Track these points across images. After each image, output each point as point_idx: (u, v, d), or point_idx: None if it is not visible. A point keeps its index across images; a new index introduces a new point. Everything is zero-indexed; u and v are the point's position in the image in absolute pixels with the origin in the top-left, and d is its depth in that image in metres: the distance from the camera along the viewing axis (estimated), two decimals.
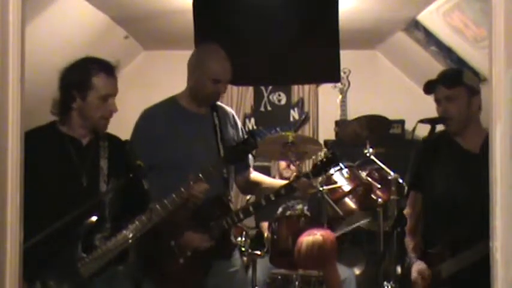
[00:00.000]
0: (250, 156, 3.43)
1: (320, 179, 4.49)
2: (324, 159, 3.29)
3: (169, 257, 3.04)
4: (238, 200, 5.40)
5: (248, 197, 4.87)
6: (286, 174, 5.13)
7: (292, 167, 4.98)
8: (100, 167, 2.77)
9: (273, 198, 3.21)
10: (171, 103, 3.29)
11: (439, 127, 2.94)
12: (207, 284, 3.11)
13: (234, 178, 3.37)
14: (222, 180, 3.21)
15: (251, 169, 3.50)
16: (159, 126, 3.19)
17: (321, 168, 3.30)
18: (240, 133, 3.41)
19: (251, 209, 3.19)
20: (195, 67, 3.22)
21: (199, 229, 3.05)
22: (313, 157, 3.29)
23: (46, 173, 2.67)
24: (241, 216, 3.15)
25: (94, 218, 2.62)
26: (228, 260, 3.23)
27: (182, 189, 2.82)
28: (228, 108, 3.45)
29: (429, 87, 3.01)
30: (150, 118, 3.24)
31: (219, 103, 3.36)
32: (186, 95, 3.28)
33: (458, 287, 2.86)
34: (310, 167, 3.40)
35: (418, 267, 2.97)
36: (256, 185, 3.50)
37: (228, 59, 3.21)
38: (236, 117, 3.46)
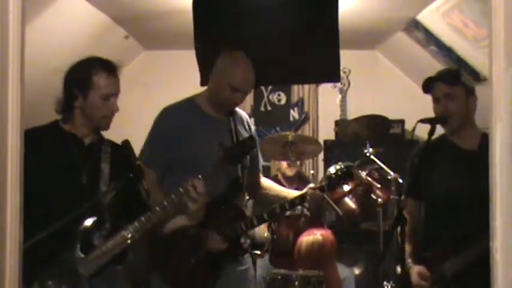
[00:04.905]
0: (260, 160, 3.45)
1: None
2: (339, 173, 3.31)
3: (182, 257, 3.04)
4: None
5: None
6: (289, 173, 5.11)
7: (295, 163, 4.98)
8: (101, 169, 2.78)
9: (287, 207, 3.27)
10: (189, 104, 3.26)
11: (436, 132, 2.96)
12: (217, 282, 3.11)
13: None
14: (237, 185, 3.21)
15: (260, 174, 3.50)
16: (176, 126, 3.16)
17: (336, 182, 3.33)
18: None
19: (265, 216, 3.21)
20: (218, 71, 3.19)
21: (214, 231, 3.06)
22: (328, 172, 3.33)
23: (47, 170, 2.68)
24: (255, 222, 3.18)
25: (93, 218, 2.63)
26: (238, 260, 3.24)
27: (180, 190, 2.79)
28: (243, 113, 3.43)
29: (428, 85, 3.02)
30: (168, 118, 3.21)
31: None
32: (205, 97, 3.25)
33: (463, 284, 2.88)
34: (325, 180, 3.41)
35: (417, 270, 2.98)
36: (264, 191, 3.50)
37: (252, 70, 3.16)
38: (250, 121, 3.44)
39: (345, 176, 3.34)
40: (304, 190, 3.32)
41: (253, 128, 3.45)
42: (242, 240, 3.17)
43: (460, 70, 3.14)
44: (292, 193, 3.42)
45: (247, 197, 3.49)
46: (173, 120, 3.20)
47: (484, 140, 2.93)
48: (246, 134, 3.31)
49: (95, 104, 2.72)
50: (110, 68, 2.76)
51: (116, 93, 2.78)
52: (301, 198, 3.29)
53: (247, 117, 3.44)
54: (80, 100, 2.73)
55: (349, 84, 6.08)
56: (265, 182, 3.53)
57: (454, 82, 2.97)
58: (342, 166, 3.35)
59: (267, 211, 3.24)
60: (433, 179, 3.03)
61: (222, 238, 3.05)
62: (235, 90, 3.12)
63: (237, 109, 3.37)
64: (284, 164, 5.13)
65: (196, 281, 3.07)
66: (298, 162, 5.16)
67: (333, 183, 3.32)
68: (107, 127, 2.83)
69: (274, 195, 3.46)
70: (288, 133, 4.44)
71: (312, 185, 3.38)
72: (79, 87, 2.72)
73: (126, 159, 2.71)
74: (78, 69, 2.76)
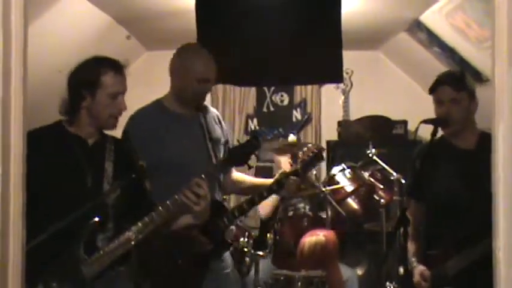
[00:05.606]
0: None
1: (322, 179, 4.50)
2: (311, 155, 3.30)
3: (167, 258, 3.03)
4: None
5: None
6: None
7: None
8: (105, 169, 2.77)
9: (265, 195, 3.23)
10: (157, 106, 3.28)
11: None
12: (204, 282, 3.09)
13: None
14: (216, 181, 3.21)
15: (232, 168, 3.50)
16: (146, 129, 3.17)
17: (308, 165, 3.31)
18: (226, 133, 3.42)
19: (245, 206, 3.19)
20: (178, 69, 3.21)
21: (198, 231, 3.05)
22: (300, 153, 3.31)
23: (51, 172, 2.68)
24: (237, 214, 3.16)
25: (96, 219, 2.62)
26: (220, 259, 3.23)
27: (185, 190, 2.79)
28: (213, 109, 3.46)
29: (435, 88, 3.03)
30: (137, 122, 3.22)
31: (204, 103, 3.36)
32: (171, 97, 3.27)
33: (464, 283, 2.89)
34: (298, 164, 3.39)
35: (419, 270, 2.99)
36: (237, 184, 3.51)
37: (211, 58, 3.19)
38: (220, 117, 3.47)
39: (317, 158, 3.32)
40: (277, 176, 3.30)
41: (224, 124, 3.46)
42: (226, 235, 3.17)
43: (466, 74, 3.15)
44: (266, 182, 3.42)
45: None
46: (142, 124, 3.20)
47: (482, 139, 2.95)
48: (218, 130, 3.34)
49: (103, 103, 2.72)
50: (116, 67, 2.77)
51: (123, 91, 2.79)
52: (278, 185, 3.24)
53: (218, 113, 3.46)
54: (88, 100, 2.73)
55: (351, 84, 6.08)
56: (237, 175, 3.53)
57: (461, 87, 2.98)
58: (313, 148, 3.34)
59: (246, 201, 3.22)
60: (433, 180, 3.04)
61: (206, 237, 3.03)
62: (203, 81, 3.15)
63: (207, 105, 3.39)
64: (286, 164, 5.13)
65: (182, 281, 3.05)
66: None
67: (305, 166, 3.30)
68: (113, 127, 2.83)
69: (247, 188, 3.47)
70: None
71: (284, 170, 3.35)
72: (87, 87, 2.72)
73: (128, 159, 2.72)
74: (85, 69, 2.76)
